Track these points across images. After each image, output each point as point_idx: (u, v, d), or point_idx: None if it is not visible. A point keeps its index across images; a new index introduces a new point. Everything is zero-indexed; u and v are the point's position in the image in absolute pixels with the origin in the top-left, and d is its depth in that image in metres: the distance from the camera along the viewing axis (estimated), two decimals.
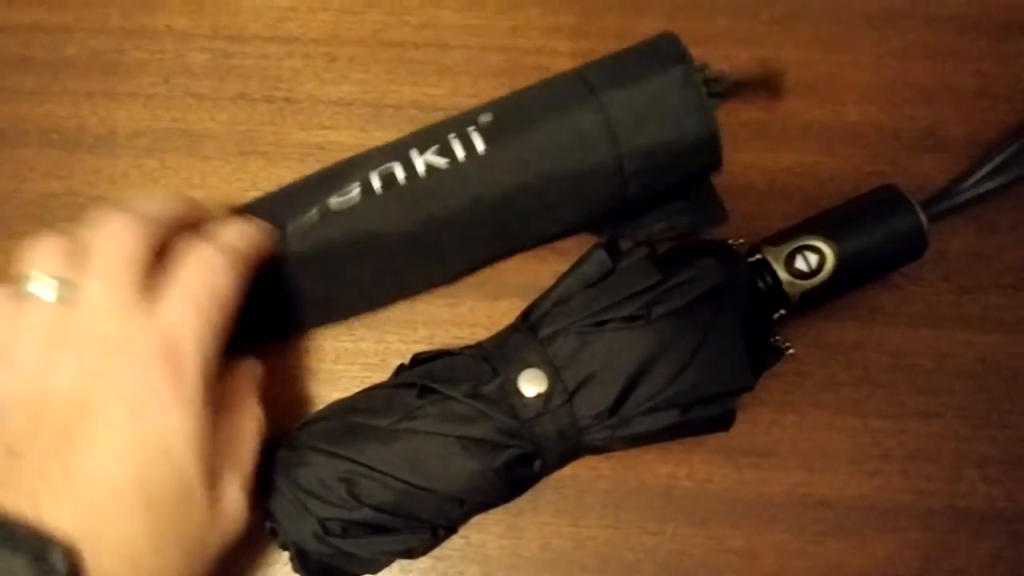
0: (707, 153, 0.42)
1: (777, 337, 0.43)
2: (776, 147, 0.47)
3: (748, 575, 0.42)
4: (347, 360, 0.45)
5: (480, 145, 0.41)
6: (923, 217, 0.41)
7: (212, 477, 0.33)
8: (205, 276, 0.32)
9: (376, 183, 0.41)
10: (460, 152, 0.41)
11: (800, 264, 0.41)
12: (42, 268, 0.32)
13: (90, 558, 0.29)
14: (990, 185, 0.45)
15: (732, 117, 0.47)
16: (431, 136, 0.42)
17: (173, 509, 0.31)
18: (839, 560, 0.43)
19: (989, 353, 0.45)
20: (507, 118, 0.42)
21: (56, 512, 0.29)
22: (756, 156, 0.47)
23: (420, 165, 0.41)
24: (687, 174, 0.43)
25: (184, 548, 0.32)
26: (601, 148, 0.41)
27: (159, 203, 0.36)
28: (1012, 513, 0.43)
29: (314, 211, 0.40)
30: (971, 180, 0.45)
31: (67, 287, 0.32)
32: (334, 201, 0.41)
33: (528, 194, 0.41)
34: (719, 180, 0.44)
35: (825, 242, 0.41)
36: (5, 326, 0.32)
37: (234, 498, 0.34)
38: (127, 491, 0.30)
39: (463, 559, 0.43)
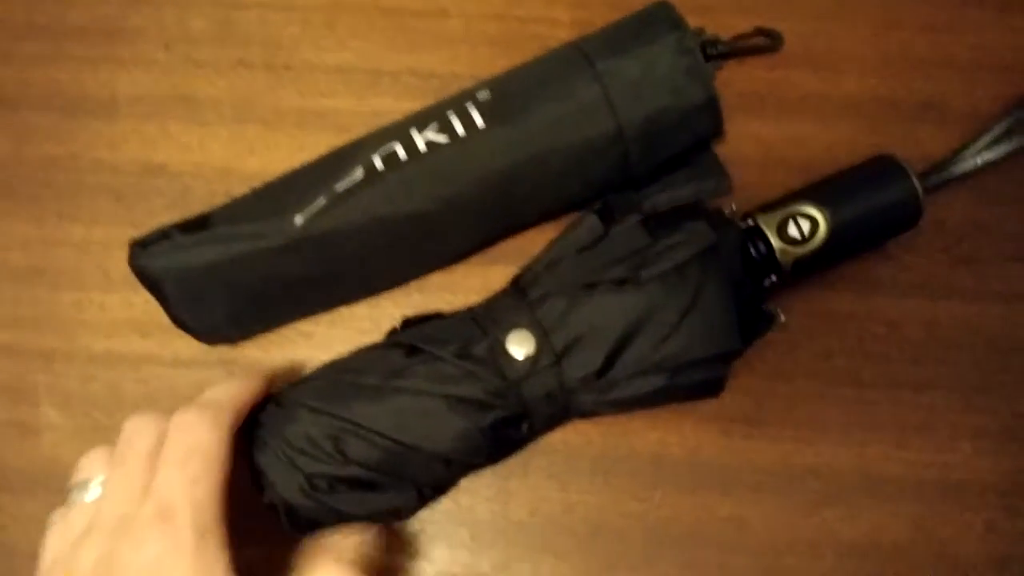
0: (707, 118, 0.42)
1: (771, 306, 0.43)
2: (772, 118, 0.47)
3: (736, 543, 0.42)
4: (341, 324, 0.45)
5: (480, 121, 0.41)
6: (918, 185, 0.41)
7: None
8: (185, 438, 0.34)
9: (379, 163, 0.41)
10: (460, 128, 0.41)
11: (792, 231, 0.41)
12: (83, 472, 0.36)
13: None
14: (988, 157, 0.45)
15: (728, 88, 0.47)
16: (430, 114, 0.42)
17: None
18: (828, 529, 0.43)
19: (985, 325, 0.45)
20: (505, 93, 0.42)
21: None
22: (752, 127, 0.47)
23: (420, 143, 0.41)
24: (688, 141, 0.43)
25: None
26: (600, 119, 0.41)
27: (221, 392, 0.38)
28: (1005, 486, 0.43)
29: (321, 197, 0.41)
30: (969, 151, 0.45)
31: (99, 485, 0.35)
32: (339, 185, 0.41)
33: (530, 168, 0.41)
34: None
35: (819, 209, 0.41)
36: (60, 537, 0.34)
37: None
38: None
39: (452, 522, 0.43)
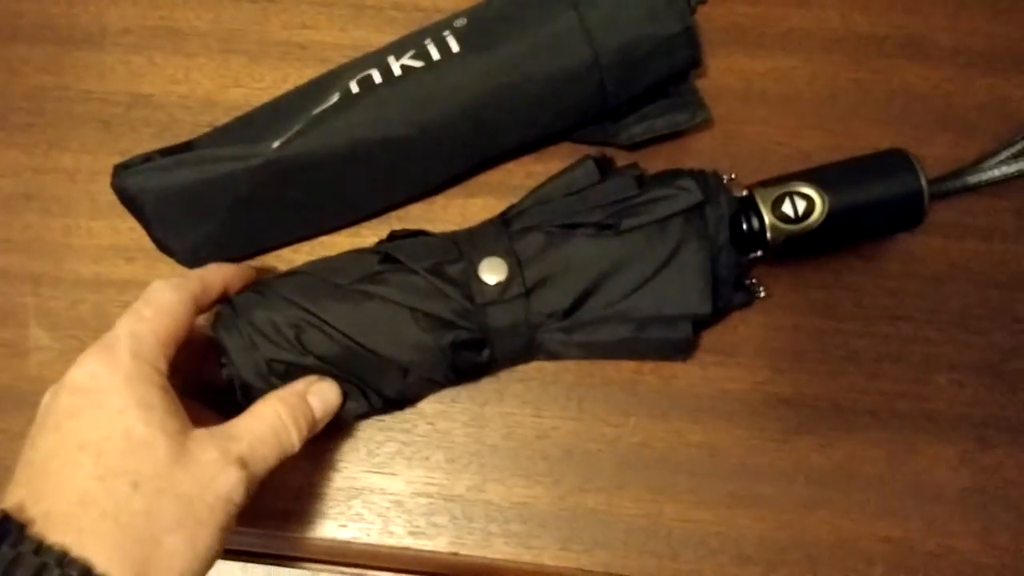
0: (684, 48, 0.42)
1: (753, 280, 0.43)
2: (754, 52, 0.47)
3: (708, 469, 0.43)
4: (322, 252, 0.45)
5: (455, 47, 0.41)
6: (925, 186, 0.40)
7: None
8: (145, 296, 0.37)
9: (354, 88, 0.41)
10: (436, 54, 0.41)
11: (787, 208, 0.40)
12: None
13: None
14: (1007, 171, 0.44)
15: (710, 22, 0.47)
16: (408, 42, 0.43)
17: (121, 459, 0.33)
18: (800, 458, 0.43)
19: (962, 259, 0.45)
20: (481, 20, 0.43)
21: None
22: (733, 61, 0.47)
23: (396, 68, 0.41)
24: (665, 71, 0.43)
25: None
26: (576, 46, 0.41)
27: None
28: (980, 417, 0.43)
29: (299, 122, 0.41)
30: (988, 163, 0.44)
31: None
32: (316, 110, 0.41)
33: (505, 95, 0.42)
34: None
35: (817, 191, 0.40)
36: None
37: (210, 458, 0.34)
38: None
39: (428, 444, 0.44)
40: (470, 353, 0.40)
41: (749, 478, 0.43)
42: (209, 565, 0.34)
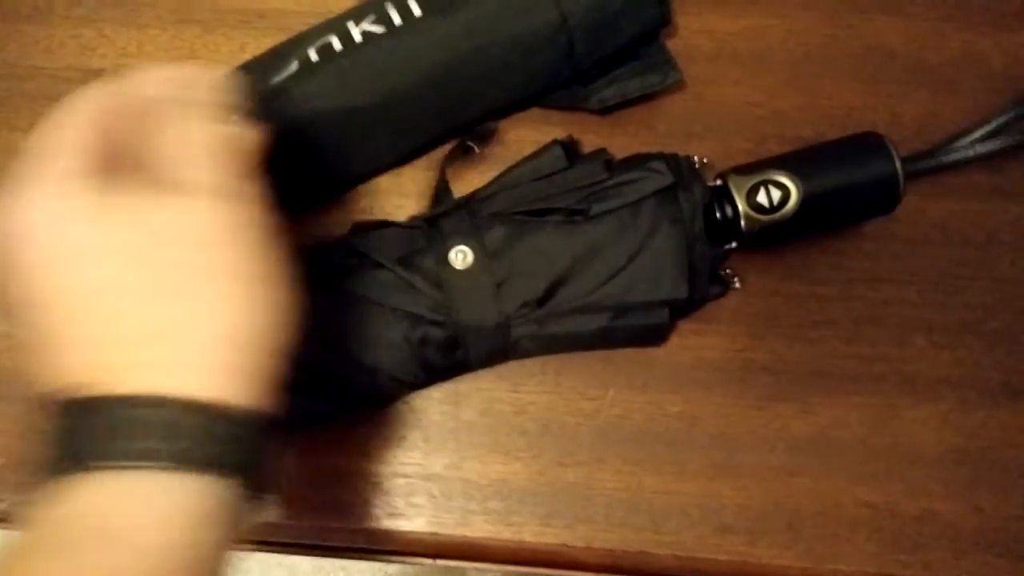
0: (652, 6, 0.41)
1: (727, 271, 0.42)
2: (725, 11, 0.46)
3: (688, 439, 0.42)
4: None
5: (417, 10, 0.40)
6: (900, 168, 0.39)
7: None
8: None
9: (313, 56, 0.40)
10: (397, 18, 0.40)
11: (762, 198, 0.39)
12: None
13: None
14: (980, 150, 0.43)
15: None
16: (368, 6, 0.41)
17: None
18: (781, 425, 0.42)
19: (939, 220, 0.44)
20: None
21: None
22: (705, 20, 0.46)
23: (357, 35, 0.40)
24: (635, 31, 0.42)
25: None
26: (543, 7, 0.40)
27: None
28: (959, 378, 0.43)
29: (258, 94, 0.40)
30: (960, 142, 0.43)
31: None
32: (274, 80, 0.40)
33: (470, 60, 0.40)
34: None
35: (792, 179, 0.39)
36: None
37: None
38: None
39: (404, 424, 0.43)
40: (443, 353, 0.39)
41: (729, 447, 0.42)
42: None
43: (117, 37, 0.46)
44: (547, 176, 0.40)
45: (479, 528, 0.42)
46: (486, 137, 0.43)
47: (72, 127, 0.30)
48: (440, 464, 0.42)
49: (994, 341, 0.43)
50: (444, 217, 0.40)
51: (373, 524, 0.42)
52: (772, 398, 0.43)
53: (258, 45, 0.45)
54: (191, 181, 0.30)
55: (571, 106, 0.44)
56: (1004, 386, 0.42)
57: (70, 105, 0.30)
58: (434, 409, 0.43)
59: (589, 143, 0.44)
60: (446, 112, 0.43)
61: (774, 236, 0.40)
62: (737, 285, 0.42)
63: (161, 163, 0.30)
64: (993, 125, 0.43)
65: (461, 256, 0.38)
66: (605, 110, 0.44)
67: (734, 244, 0.40)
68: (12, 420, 0.42)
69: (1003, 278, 0.43)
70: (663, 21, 0.42)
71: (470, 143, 0.43)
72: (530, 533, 0.41)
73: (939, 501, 0.41)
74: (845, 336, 0.43)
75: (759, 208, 0.39)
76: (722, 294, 0.42)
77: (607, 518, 0.41)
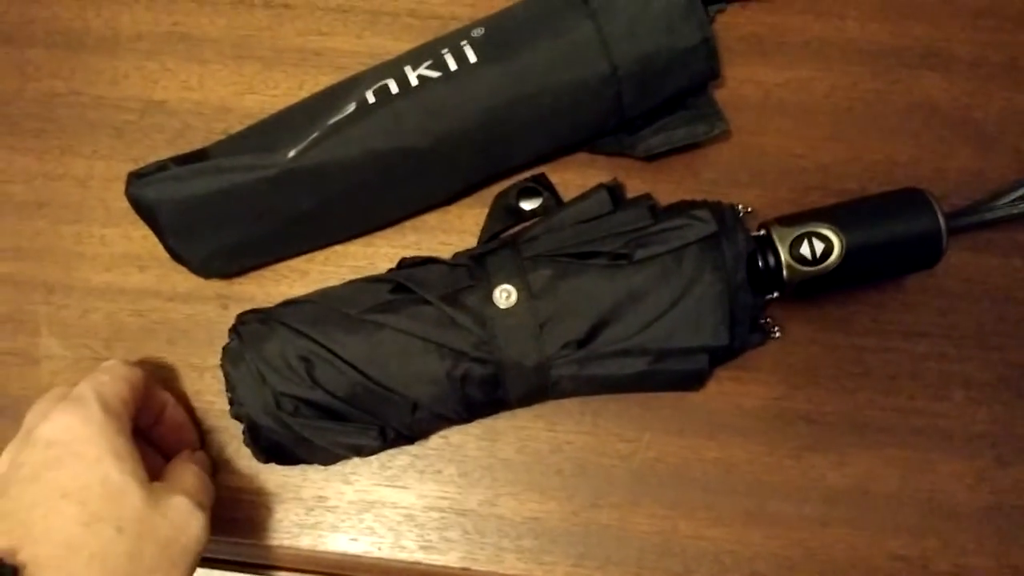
0: (702, 59, 0.42)
1: (768, 320, 0.43)
2: (772, 62, 0.47)
3: (723, 485, 0.43)
4: (336, 262, 0.46)
5: (472, 57, 0.41)
6: (943, 224, 0.39)
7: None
8: (104, 367, 0.40)
9: (371, 98, 0.41)
10: (452, 64, 0.41)
11: (805, 250, 0.39)
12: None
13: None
14: (1023, 207, 0.43)
15: (728, 32, 0.47)
16: (425, 52, 0.42)
17: (103, 505, 0.34)
18: (815, 475, 0.43)
19: (980, 276, 0.44)
20: (499, 30, 0.42)
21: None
22: (751, 71, 0.47)
23: (413, 78, 0.41)
24: (684, 83, 0.43)
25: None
26: (594, 57, 0.41)
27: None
28: (995, 435, 0.43)
29: (314, 131, 0.41)
30: (1004, 199, 0.43)
31: None
32: (332, 120, 0.41)
33: (521, 106, 0.41)
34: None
35: (835, 232, 0.39)
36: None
37: (180, 503, 0.36)
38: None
39: (441, 458, 0.43)
40: (484, 390, 0.39)
41: (764, 495, 0.42)
42: None
43: (179, 70, 0.48)
44: (592, 220, 0.41)
45: (512, 566, 0.42)
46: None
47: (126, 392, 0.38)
48: (475, 500, 0.43)
49: None
50: (490, 256, 0.41)
51: (406, 556, 0.42)
52: (808, 448, 0.43)
53: (316, 82, 0.46)
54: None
55: (618, 152, 0.45)
56: None
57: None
58: (471, 445, 0.44)
59: (634, 188, 0.45)
60: (495, 155, 0.43)
61: (816, 287, 0.40)
62: (777, 334, 0.43)
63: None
64: None
65: (505, 295, 0.39)
66: (651, 157, 0.45)
67: (775, 294, 0.41)
68: None
69: None
70: (712, 75, 0.43)
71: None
72: (562, 573, 0.42)
73: (972, 557, 0.41)
74: (883, 388, 0.43)
75: (802, 260, 0.39)
76: (762, 343, 0.42)
77: (639, 561, 0.42)
